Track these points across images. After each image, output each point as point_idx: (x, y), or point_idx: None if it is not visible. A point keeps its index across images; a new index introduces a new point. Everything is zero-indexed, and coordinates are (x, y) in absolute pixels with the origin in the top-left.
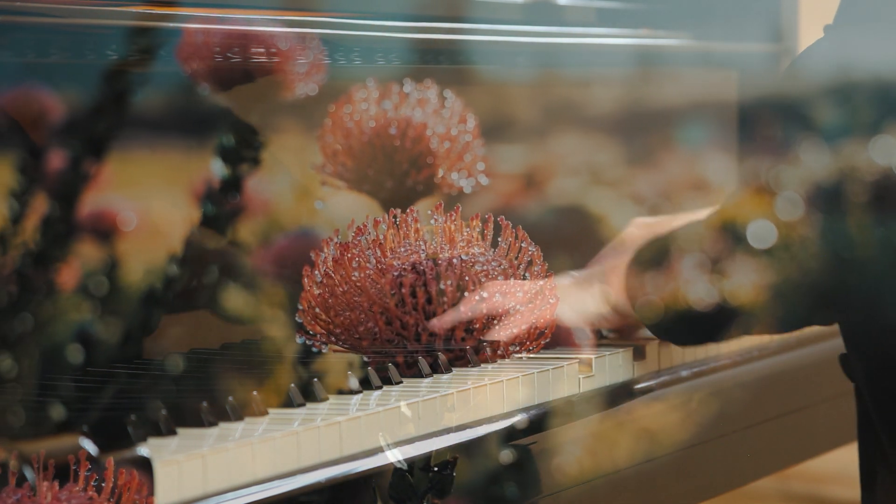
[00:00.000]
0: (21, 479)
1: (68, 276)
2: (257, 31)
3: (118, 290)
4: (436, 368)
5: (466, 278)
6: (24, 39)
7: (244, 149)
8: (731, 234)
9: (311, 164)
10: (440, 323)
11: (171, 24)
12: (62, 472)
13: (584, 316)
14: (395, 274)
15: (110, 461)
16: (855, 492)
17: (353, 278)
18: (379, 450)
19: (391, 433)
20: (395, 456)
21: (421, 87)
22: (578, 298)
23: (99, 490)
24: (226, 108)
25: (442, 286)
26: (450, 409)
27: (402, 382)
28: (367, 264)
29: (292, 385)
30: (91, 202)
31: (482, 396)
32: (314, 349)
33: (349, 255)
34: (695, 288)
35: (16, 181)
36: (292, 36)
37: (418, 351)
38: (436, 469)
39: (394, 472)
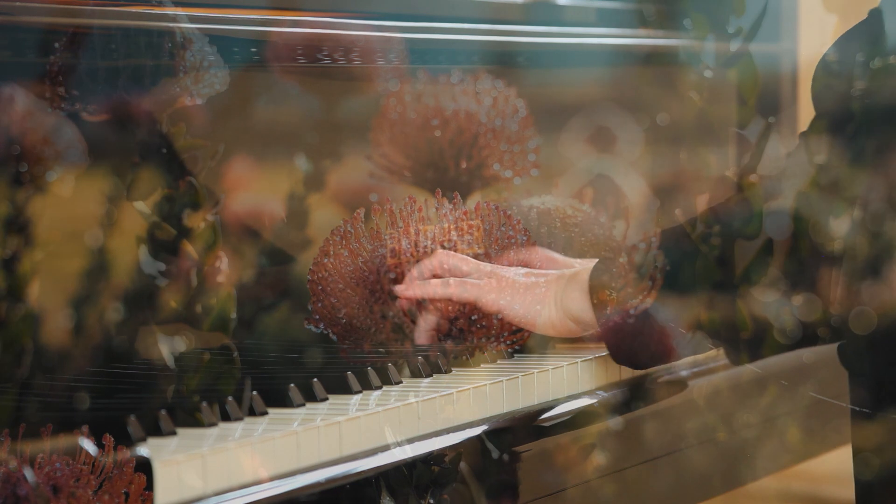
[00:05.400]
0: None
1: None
2: (346, 33)
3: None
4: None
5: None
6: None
7: (325, 145)
8: None
9: (364, 155)
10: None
11: (261, 28)
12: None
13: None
14: (367, 259)
15: (108, 437)
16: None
17: (327, 264)
18: (378, 449)
19: (390, 433)
20: (399, 448)
21: (469, 80)
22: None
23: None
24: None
25: (392, 275)
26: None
27: (401, 382)
28: (343, 252)
29: (292, 385)
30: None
31: (482, 396)
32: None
33: (328, 243)
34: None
35: (164, 182)
36: (380, 38)
37: (389, 340)
38: (435, 462)
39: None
